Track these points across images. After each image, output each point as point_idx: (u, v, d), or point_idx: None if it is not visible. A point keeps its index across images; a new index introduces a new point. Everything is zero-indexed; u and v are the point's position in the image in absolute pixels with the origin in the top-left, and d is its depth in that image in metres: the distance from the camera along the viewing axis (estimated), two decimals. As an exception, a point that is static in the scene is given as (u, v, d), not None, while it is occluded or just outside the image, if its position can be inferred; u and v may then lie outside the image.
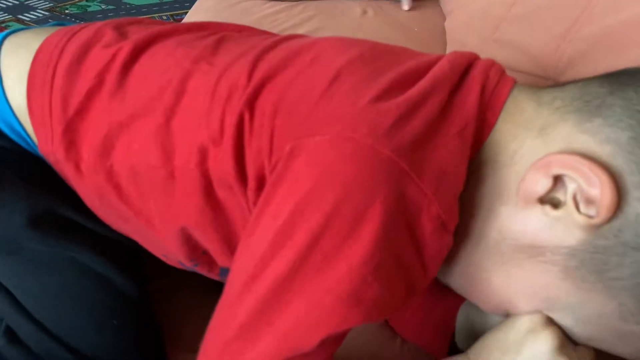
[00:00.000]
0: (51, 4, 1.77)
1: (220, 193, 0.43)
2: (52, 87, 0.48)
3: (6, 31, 0.54)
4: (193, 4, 1.10)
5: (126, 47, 0.48)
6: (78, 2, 1.81)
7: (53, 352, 0.49)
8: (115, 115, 0.46)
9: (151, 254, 0.52)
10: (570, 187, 0.34)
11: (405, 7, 1.02)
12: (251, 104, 0.41)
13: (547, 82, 0.67)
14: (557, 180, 0.35)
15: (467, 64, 0.41)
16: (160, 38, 0.49)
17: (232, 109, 0.41)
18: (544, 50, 0.68)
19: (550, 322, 0.38)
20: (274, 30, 0.87)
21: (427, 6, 1.05)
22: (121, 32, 0.51)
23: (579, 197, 0.34)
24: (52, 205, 0.49)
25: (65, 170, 0.48)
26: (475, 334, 0.44)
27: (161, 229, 0.46)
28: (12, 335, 0.50)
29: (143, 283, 0.53)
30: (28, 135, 0.50)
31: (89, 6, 1.79)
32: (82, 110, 0.47)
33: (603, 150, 0.34)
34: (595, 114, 0.35)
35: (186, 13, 1.10)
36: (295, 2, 1.02)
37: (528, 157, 0.37)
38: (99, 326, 0.49)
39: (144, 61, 0.47)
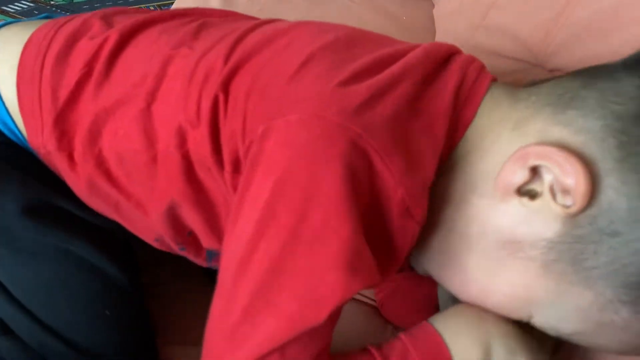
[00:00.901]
0: (36, -6, 1.75)
1: (201, 174, 0.44)
2: (41, 78, 0.48)
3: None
4: (180, -7, 1.09)
5: (112, 36, 0.48)
6: (63, -8, 1.79)
7: (46, 344, 0.49)
8: (102, 103, 0.46)
9: (144, 246, 0.52)
10: (547, 177, 0.35)
11: None
12: (226, 86, 0.42)
13: (537, 68, 0.67)
14: (534, 171, 0.35)
15: (445, 56, 0.42)
16: (145, 26, 0.50)
17: (207, 92, 0.42)
18: (533, 35, 0.68)
19: None
20: (261, 17, 0.86)
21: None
22: (108, 22, 0.51)
23: (555, 188, 0.35)
24: (46, 194, 0.50)
25: (57, 161, 0.48)
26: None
27: (150, 211, 0.47)
28: (4, 328, 0.50)
29: (135, 274, 0.53)
30: (19, 129, 0.50)
31: (75, -3, 1.77)
32: (72, 100, 0.47)
33: (577, 140, 0.35)
34: (569, 106, 0.36)
35: (173, 3, 1.09)
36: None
37: (504, 150, 0.37)
38: (91, 317, 0.50)
39: (130, 49, 0.48)
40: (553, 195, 0.35)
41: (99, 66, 0.47)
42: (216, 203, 0.45)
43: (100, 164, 0.47)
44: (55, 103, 0.47)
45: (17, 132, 0.50)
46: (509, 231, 0.37)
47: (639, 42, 0.46)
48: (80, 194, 0.50)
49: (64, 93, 0.47)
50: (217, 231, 0.46)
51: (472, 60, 0.43)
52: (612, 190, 0.33)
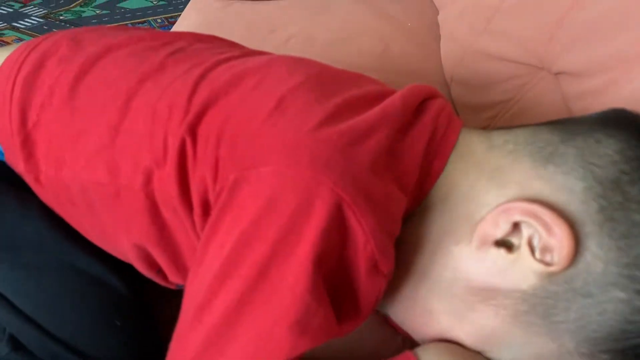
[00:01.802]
0: (46, 11, 1.77)
1: (166, 214, 0.43)
2: (11, 100, 0.48)
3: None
4: (186, 5, 1.10)
5: (78, 60, 0.48)
6: (72, 7, 1.81)
7: (58, 356, 0.49)
8: (65, 128, 0.46)
9: None
10: (526, 232, 0.35)
11: None
12: (193, 130, 0.40)
13: (542, 72, 0.67)
14: (515, 226, 0.36)
15: (420, 102, 0.41)
16: (112, 49, 0.49)
17: (173, 133, 0.41)
18: (537, 39, 0.68)
19: None
20: (264, 31, 0.86)
21: (423, 1, 1.05)
22: (77, 43, 0.51)
23: (535, 243, 0.35)
24: (42, 206, 0.50)
25: (27, 180, 0.49)
26: None
27: (116, 241, 0.47)
28: (15, 343, 0.50)
29: (140, 285, 0.53)
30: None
31: (84, 12, 1.79)
32: (37, 123, 0.47)
33: (559, 199, 0.35)
34: (549, 161, 0.36)
35: (180, 15, 1.09)
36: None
37: (482, 199, 0.38)
38: (100, 328, 0.50)
39: (95, 74, 0.47)
40: (531, 249, 0.35)
41: (62, 89, 0.47)
42: (180, 242, 0.44)
43: (65, 190, 0.47)
44: (23, 125, 0.47)
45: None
46: (483, 279, 0.37)
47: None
48: (53, 209, 0.50)
49: (31, 115, 0.47)
50: (181, 269, 0.46)
51: (442, 106, 0.43)
52: (590, 253, 0.34)
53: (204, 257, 0.37)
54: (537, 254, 0.35)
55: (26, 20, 1.72)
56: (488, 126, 0.72)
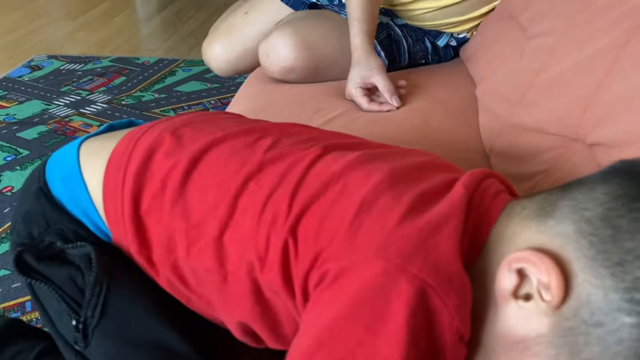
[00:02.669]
0: (109, 97, 1.92)
1: (268, 295, 0.49)
2: (123, 189, 0.55)
3: (78, 140, 0.61)
4: (238, 87, 1.18)
5: (185, 157, 0.55)
6: (133, 93, 1.95)
7: None
8: (177, 220, 0.53)
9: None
10: (534, 279, 0.40)
11: (395, 104, 0.96)
12: (294, 231, 0.47)
13: (577, 143, 0.69)
14: (521, 275, 0.41)
15: (477, 186, 0.48)
16: (213, 146, 0.56)
17: (277, 233, 0.48)
18: (571, 112, 0.70)
19: None
20: (310, 111, 0.91)
21: (459, 76, 1.09)
22: (177, 138, 0.58)
23: (538, 286, 0.40)
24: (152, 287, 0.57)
25: (139, 261, 0.55)
26: None
27: (221, 314, 0.54)
28: None
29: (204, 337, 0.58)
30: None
31: (143, 96, 1.93)
32: (150, 211, 0.54)
33: (555, 244, 0.40)
34: (549, 217, 0.42)
35: (232, 96, 1.18)
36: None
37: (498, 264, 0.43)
38: None
39: (202, 170, 0.54)
40: (540, 294, 0.40)
41: (173, 184, 0.53)
42: (281, 317, 0.50)
43: (175, 269, 0.53)
44: (136, 213, 0.54)
45: (109, 234, 0.57)
46: (515, 333, 0.42)
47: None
48: (161, 284, 0.56)
49: (143, 204, 0.54)
50: (281, 337, 0.52)
51: (491, 186, 0.49)
52: (588, 283, 0.38)
53: (302, 328, 0.43)
54: (543, 294, 0.40)
55: (92, 106, 1.87)
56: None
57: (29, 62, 2.19)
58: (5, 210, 1.35)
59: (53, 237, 0.57)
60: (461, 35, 1.16)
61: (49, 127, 1.73)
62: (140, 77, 2.07)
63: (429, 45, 1.16)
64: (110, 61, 2.20)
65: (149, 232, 0.54)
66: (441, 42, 1.16)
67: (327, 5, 1.17)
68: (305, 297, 0.46)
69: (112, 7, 2.89)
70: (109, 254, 0.56)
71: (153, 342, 0.54)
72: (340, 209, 0.47)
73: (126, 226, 0.54)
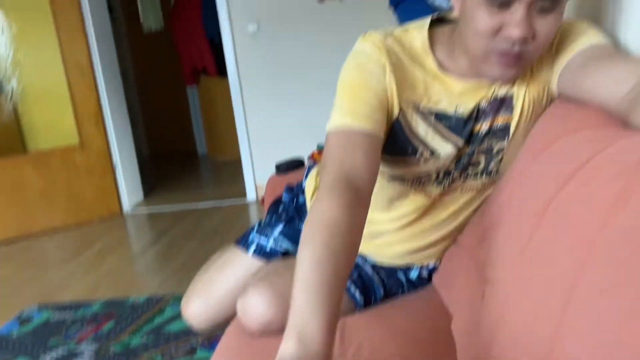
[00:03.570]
0: (97, 345, 1.91)
1: None
2: None
3: None
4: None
5: None
6: (122, 338, 1.94)
7: None
8: None
9: None
10: None
11: None
12: None
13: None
14: None
15: None
16: None
17: None
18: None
19: None
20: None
21: (432, 309, 1.11)
22: None
23: None
24: None
25: None
26: None
27: None
28: None
29: None
30: None
31: (132, 341, 1.92)
32: None
33: None
34: None
35: (218, 337, 1.17)
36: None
37: None
38: None
39: None
40: None
41: None
42: None
43: None
44: None
45: None
46: None
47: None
48: None
49: None
50: None
51: None
52: None
53: None
54: None
55: (79, 359, 1.84)
56: None
57: (19, 315, 2.21)
58: None
59: None
60: (431, 266, 1.20)
61: (33, 388, 1.68)
62: (130, 319, 2.08)
63: (402, 277, 1.20)
64: (100, 305, 2.22)
65: None
66: (413, 275, 1.21)
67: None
68: None
69: (105, 247, 3.02)
70: None
71: None
72: None
73: None
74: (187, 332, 1.92)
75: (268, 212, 1.39)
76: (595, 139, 0.75)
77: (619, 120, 0.76)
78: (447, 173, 1.04)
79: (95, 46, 3.39)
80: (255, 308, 1.06)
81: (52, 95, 3.40)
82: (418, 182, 1.05)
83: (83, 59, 3.36)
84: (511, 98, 0.97)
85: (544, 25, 0.84)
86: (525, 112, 0.97)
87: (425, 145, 0.99)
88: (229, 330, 1.18)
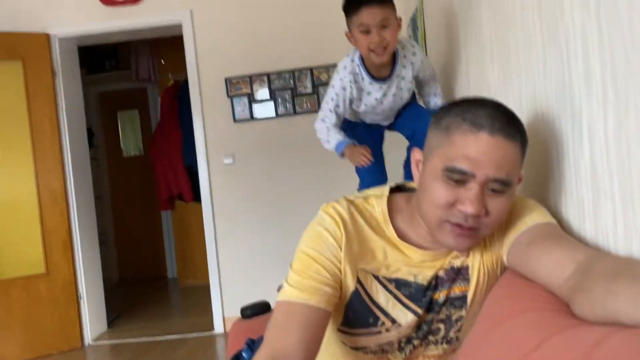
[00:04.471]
0: None
1: None
2: None
3: None
4: None
5: None
6: None
7: None
8: None
9: None
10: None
11: None
12: None
13: None
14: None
15: None
16: None
17: None
18: None
19: None
20: None
21: None
22: None
23: None
24: None
25: None
26: None
27: None
28: None
29: None
30: None
31: None
32: None
33: None
34: None
35: None
36: None
37: None
38: None
39: None
40: None
41: None
42: None
43: None
44: None
45: None
46: None
47: None
48: None
49: None
50: None
51: None
52: None
53: None
54: None
55: None
56: None
57: None
58: None
59: None
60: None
61: None
62: None
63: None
64: None
65: None
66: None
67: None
68: None
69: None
70: None
71: None
72: None
73: None
74: None
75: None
76: (542, 323, 0.77)
77: (562, 303, 0.78)
78: (409, 341, 1.03)
79: (71, 173, 3.43)
80: None
81: (21, 221, 3.36)
82: (381, 351, 1.04)
83: (58, 185, 3.38)
84: (467, 269, 1.00)
85: (496, 205, 0.89)
86: (480, 283, 1.00)
87: (386, 314, 0.99)
88: None
